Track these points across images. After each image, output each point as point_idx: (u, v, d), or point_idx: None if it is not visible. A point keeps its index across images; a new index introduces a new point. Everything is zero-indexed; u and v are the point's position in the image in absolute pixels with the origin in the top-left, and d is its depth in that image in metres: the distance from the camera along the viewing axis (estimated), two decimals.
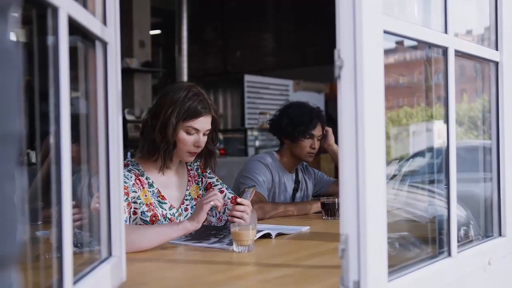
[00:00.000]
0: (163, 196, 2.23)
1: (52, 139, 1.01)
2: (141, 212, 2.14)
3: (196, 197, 2.35)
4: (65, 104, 1.01)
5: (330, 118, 5.50)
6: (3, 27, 0.58)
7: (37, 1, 0.94)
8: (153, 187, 2.22)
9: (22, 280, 0.65)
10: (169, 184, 2.28)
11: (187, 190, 2.34)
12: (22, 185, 0.62)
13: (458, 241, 1.54)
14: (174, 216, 2.24)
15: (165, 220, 2.19)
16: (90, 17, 1.21)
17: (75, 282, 1.08)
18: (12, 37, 0.60)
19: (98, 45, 1.33)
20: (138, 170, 2.20)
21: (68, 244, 1.01)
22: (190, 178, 2.37)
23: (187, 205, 2.31)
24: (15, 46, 0.60)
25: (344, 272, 1.17)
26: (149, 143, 2.19)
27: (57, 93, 1.00)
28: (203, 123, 2.20)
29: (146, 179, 2.21)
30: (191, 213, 2.28)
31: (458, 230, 1.61)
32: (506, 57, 1.80)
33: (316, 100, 6.97)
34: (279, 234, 2.17)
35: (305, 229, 2.34)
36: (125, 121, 4.69)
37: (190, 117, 2.16)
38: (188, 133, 2.18)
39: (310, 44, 9.36)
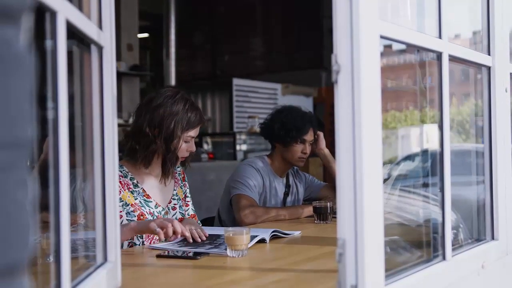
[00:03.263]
0: (148, 195, 2.29)
1: (49, 143, 1.00)
2: (126, 213, 2.19)
3: (182, 198, 2.45)
4: (63, 108, 1.01)
5: (318, 122, 5.51)
6: (16, 32, 0.58)
7: (36, 5, 0.93)
8: (138, 187, 2.28)
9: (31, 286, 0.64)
10: (155, 185, 2.35)
11: (174, 190, 2.43)
12: (33, 191, 0.62)
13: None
14: (160, 214, 2.31)
15: (152, 218, 2.25)
16: (87, 21, 1.20)
17: None
18: (24, 42, 0.60)
19: (93, 49, 1.32)
20: (121, 172, 2.23)
21: (66, 250, 1.01)
22: (176, 180, 2.46)
23: (174, 204, 2.40)
24: (28, 52, 0.60)
25: (341, 276, 1.17)
26: (151, 153, 2.25)
27: (55, 97, 1.00)
28: (198, 130, 2.34)
29: (131, 179, 2.27)
30: (179, 212, 2.40)
31: None
32: (498, 61, 1.81)
33: (304, 104, 6.96)
34: (273, 237, 2.18)
35: (297, 233, 2.34)
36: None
37: (191, 128, 2.29)
38: (186, 141, 2.30)
39: (299, 48, 9.39)
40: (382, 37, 1.24)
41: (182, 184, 2.49)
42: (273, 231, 2.17)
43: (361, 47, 1.15)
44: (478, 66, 1.82)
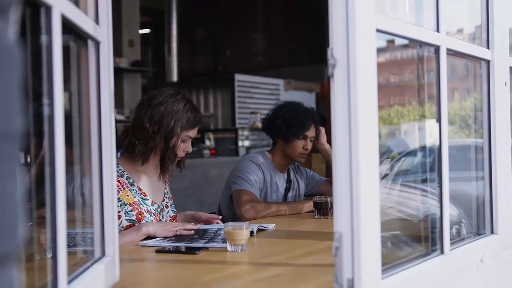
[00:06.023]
0: (144, 193, 2.32)
1: (45, 140, 1.00)
2: (125, 212, 2.21)
3: (171, 197, 2.50)
4: (59, 104, 1.01)
5: (320, 117, 5.51)
6: (3, 26, 0.58)
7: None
8: (134, 185, 2.30)
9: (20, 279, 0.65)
10: (149, 183, 2.37)
11: (166, 189, 2.47)
12: (23, 183, 0.62)
13: (451, 239, 1.55)
14: (157, 211, 2.34)
15: (150, 216, 2.28)
16: (83, 16, 1.20)
17: (69, 282, 1.08)
18: (12, 36, 0.61)
19: (90, 44, 1.32)
20: (117, 171, 2.24)
21: (62, 244, 1.01)
22: (166, 179, 2.49)
23: (166, 202, 2.44)
24: (15, 45, 0.60)
25: (338, 270, 1.17)
26: (149, 150, 2.27)
27: (50, 93, 1.00)
28: (196, 131, 2.37)
29: (127, 179, 2.30)
30: (172, 210, 2.44)
31: (451, 228, 1.61)
32: (497, 55, 1.81)
33: (307, 99, 6.96)
34: (259, 230, 2.23)
35: (271, 226, 2.37)
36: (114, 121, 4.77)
37: (190, 127, 2.31)
38: (183, 141, 2.32)
39: (301, 44, 9.38)
40: (378, 30, 1.24)
41: (168, 184, 2.54)
42: (258, 228, 2.23)
43: (357, 41, 1.15)
44: (477, 60, 1.82)
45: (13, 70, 0.58)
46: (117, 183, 2.21)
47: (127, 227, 2.19)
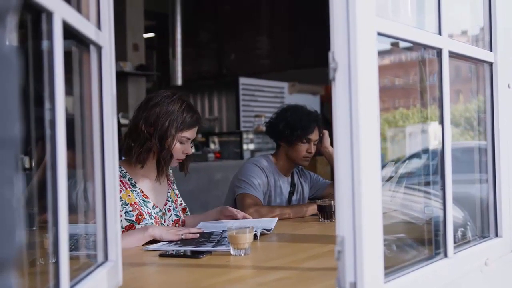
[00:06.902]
0: (146, 195, 2.32)
1: (47, 144, 1.01)
2: (125, 212, 2.22)
3: (174, 200, 2.48)
4: (60, 109, 1.01)
5: (325, 120, 5.50)
6: (1, 32, 0.58)
7: (32, 5, 0.93)
8: (136, 187, 2.31)
9: (20, 284, 0.65)
10: (151, 186, 2.37)
11: (168, 192, 2.46)
12: (21, 190, 0.62)
13: (455, 242, 1.54)
14: (158, 215, 2.34)
15: (150, 218, 2.28)
16: (84, 22, 1.21)
17: (71, 287, 1.08)
18: (11, 42, 0.61)
19: (92, 49, 1.33)
20: (120, 172, 2.25)
21: (64, 249, 1.01)
22: (169, 182, 2.49)
23: (169, 206, 2.44)
24: (14, 51, 0.61)
25: (341, 274, 1.17)
26: (145, 151, 2.27)
27: (52, 98, 1.00)
28: (194, 132, 2.36)
29: (129, 180, 2.30)
30: (174, 214, 2.43)
31: (456, 231, 1.61)
32: (500, 57, 1.81)
33: (311, 102, 6.97)
34: (262, 234, 2.22)
35: (274, 221, 2.40)
36: (119, 125, 4.77)
37: (186, 128, 2.30)
38: (181, 142, 2.31)
39: (305, 46, 9.37)
40: (379, 34, 1.24)
41: (173, 187, 2.53)
42: (261, 232, 2.22)
43: (358, 45, 1.15)
44: (480, 62, 1.81)
45: (11, 77, 0.59)
46: (119, 183, 2.22)
47: (126, 228, 2.20)
